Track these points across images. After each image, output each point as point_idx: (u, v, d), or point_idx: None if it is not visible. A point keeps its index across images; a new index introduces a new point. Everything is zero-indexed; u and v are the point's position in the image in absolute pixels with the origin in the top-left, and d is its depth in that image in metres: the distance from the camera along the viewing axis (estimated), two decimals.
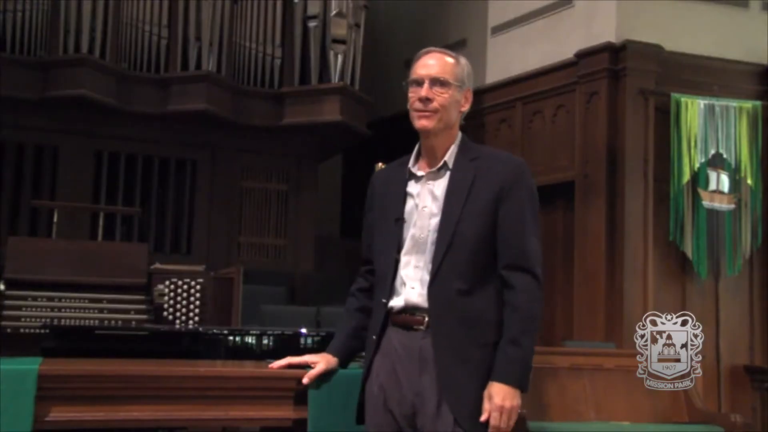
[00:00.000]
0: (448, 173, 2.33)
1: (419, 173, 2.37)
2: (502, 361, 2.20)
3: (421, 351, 2.24)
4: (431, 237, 2.28)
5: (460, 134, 2.40)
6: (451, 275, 2.22)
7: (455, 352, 2.20)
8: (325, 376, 2.41)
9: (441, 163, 2.34)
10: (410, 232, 2.32)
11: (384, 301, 2.31)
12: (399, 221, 2.33)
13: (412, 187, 2.37)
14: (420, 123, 2.35)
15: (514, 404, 2.17)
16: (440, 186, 2.32)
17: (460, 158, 2.34)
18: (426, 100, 2.33)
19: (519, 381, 2.19)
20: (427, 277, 2.26)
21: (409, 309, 2.28)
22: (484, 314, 2.24)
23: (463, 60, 2.39)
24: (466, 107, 2.38)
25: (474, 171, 2.29)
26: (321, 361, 2.42)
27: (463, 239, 2.24)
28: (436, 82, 2.33)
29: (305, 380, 2.38)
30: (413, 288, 2.28)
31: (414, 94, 2.37)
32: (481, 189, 2.26)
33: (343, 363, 2.46)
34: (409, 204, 2.35)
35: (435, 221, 2.28)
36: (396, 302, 2.30)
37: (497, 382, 2.17)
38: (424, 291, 2.26)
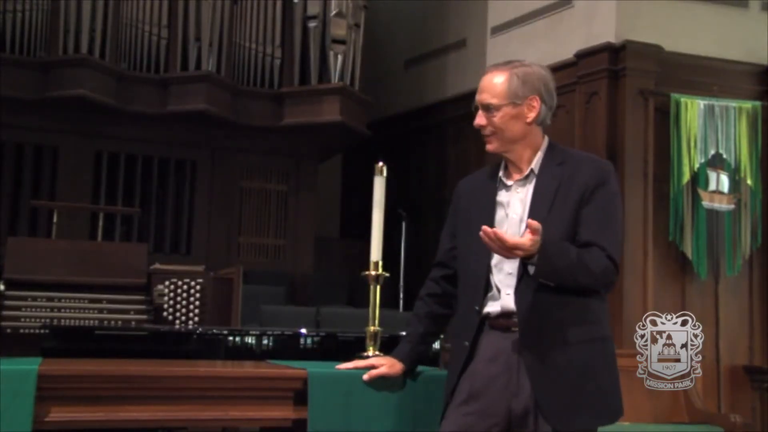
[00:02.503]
0: (534, 180, 2.34)
1: (509, 182, 2.38)
2: (560, 244, 2.19)
3: (518, 353, 2.24)
4: None
5: (546, 139, 2.41)
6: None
7: (544, 354, 2.20)
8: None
9: (528, 171, 2.35)
10: None
11: (477, 308, 2.31)
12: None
13: (502, 196, 2.38)
14: (486, 148, 2.39)
15: (522, 252, 2.12)
16: (528, 194, 2.33)
17: (546, 164, 2.35)
18: (480, 128, 2.37)
19: (547, 259, 2.14)
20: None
21: (506, 314, 2.28)
22: (578, 313, 2.24)
23: (517, 70, 2.36)
24: (531, 116, 2.35)
25: (559, 176, 2.30)
26: (385, 365, 2.41)
27: None
28: (485, 108, 2.35)
29: (365, 377, 2.38)
30: (508, 294, 2.28)
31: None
32: (566, 193, 2.26)
33: (410, 368, 2.45)
34: (500, 213, 2.36)
35: (524, 227, 2.27)
36: (492, 308, 2.30)
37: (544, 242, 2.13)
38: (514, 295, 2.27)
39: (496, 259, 2.30)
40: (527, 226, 2.13)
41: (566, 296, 2.22)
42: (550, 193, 2.28)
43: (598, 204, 2.27)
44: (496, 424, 2.25)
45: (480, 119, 2.36)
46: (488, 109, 2.34)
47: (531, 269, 2.18)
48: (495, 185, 2.40)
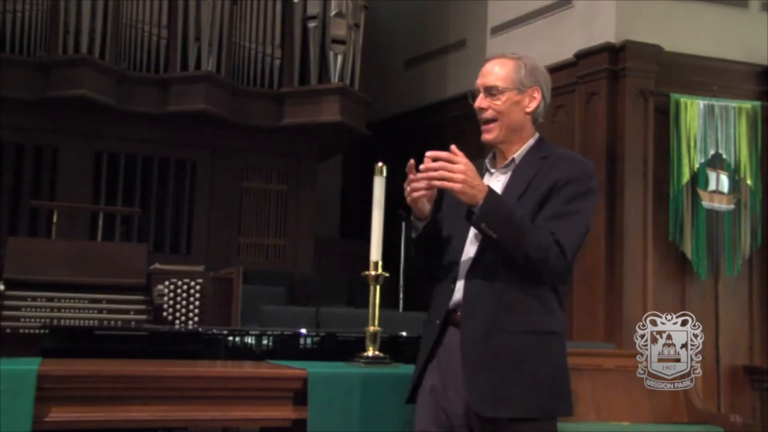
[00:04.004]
0: (514, 167, 2.36)
1: (492, 170, 2.41)
2: (509, 201, 2.21)
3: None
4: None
5: (536, 134, 2.41)
6: (491, 265, 2.22)
7: (482, 342, 2.19)
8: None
9: (509, 160, 2.37)
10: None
11: (452, 287, 2.31)
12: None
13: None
14: (483, 137, 2.39)
15: (466, 176, 2.14)
16: (506, 180, 2.35)
17: (529, 156, 2.36)
18: (480, 110, 2.36)
19: (489, 204, 2.15)
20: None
21: (458, 307, 2.28)
22: (525, 304, 2.22)
23: (525, 60, 2.38)
24: (531, 106, 2.36)
25: (538, 168, 2.30)
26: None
27: None
28: (488, 91, 2.35)
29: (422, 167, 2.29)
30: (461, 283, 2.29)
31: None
32: (539, 185, 2.26)
33: (432, 219, 2.41)
34: None
35: None
36: (452, 300, 2.30)
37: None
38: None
39: (467, 245, 2.30)
40: (451, 150, 2.15)
41: (513, 287, 2.21)
42: (524, 183, 2.29)
43: (563, 198, 2.26)
44: (462, 423, 2.23)
45: (482, 101, 2.35)
46: (492, 92, 2.34)
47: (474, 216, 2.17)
48: (482, 173, 2.41)
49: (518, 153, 2.37)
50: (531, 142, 2.38)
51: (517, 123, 2.36)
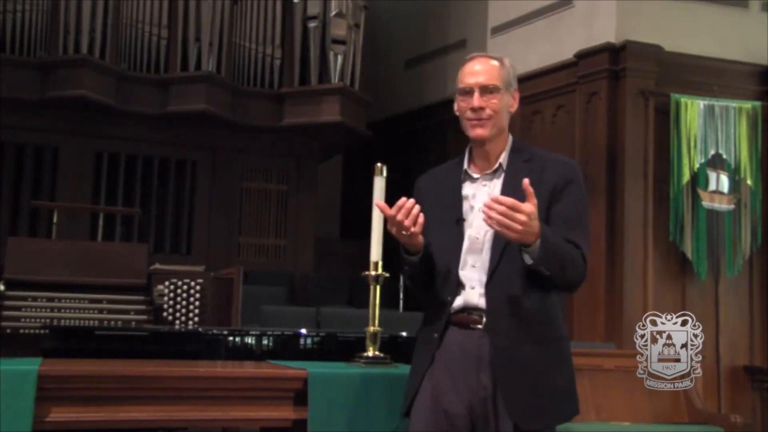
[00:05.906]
0: (503, 175, 2.36)
1: (475, 175, 2.39)
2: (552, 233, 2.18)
3: (479, 350, 2.24)
4: (488, 238, 2.29)
5: (510, 136, 2.42)
6: (508, 276, 2.24)
7: (511, 351, 2.21)
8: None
9: (496, 165, 2.37)
10: (467, 233, 2.33)
11: (450, 299, 2.32)
12: (460, 221, 2.34)
13: (467, 188, 2.39)
14: (475, 132, 2.35)
15: (526, 226, 2.07)
16: (496, 187, 2.34)
17: (514, 160, 2.36)
18: (479, 110, 2.33)
19: (546, 249, 2.12)
20: (485, 278, 2.28)
21: (468, 309, 2.29)
22: (541, 312, 2.25)
23: (507, 61, 2.40)
24: (514, 107, 2.40)
25: (527, 173, 2.30)
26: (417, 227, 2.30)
27: None
28: (485, 89, 2.34)
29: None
30: (473, 288, 2.29)
31: (465, 103, 2.36)
32: (536, 189, 2.24)
33: (423, 251, 2.35)
34: (465, 205, 2.37)
35: None
36: (456, 302, 2.31)
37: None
38: (483, 291, 2.27)
39: (463, 250, 2.31)
40: (524, 187, 2.11)
41: (532, 295, 2.24)
42: (520, 190, 2.25)
43: (568, 202, 2.29)
44: (464, 425, 2.24)
45: (479, 101, 2.33)
46: (489, 91, 2.33)
47: (527, 258, 2.16)
48: (459, 178, 2.41)
49: (503, 158, 2.37)
50: (509, 143, 2.40)
51: (504, 123, 2.38)
